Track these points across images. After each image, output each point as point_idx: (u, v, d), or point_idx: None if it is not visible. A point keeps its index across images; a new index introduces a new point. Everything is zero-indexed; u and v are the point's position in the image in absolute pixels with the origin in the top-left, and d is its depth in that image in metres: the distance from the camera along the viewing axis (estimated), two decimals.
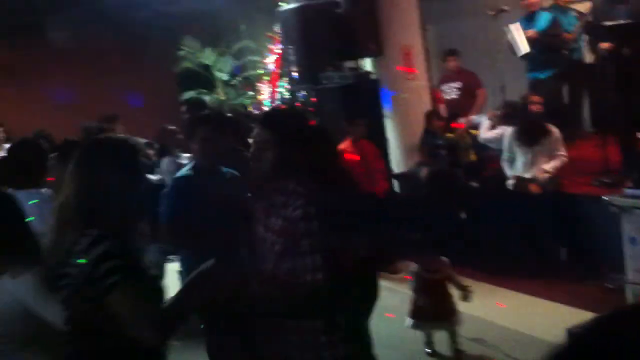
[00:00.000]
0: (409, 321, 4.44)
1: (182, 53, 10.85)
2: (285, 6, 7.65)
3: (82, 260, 2.18)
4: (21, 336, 2.77)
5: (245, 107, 9.73)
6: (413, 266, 4.51)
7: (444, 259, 4.47)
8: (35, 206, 3.81)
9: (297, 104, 7.10)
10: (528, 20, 7.41)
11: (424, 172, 6.93)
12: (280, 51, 8.05)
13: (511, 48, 7.36)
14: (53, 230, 2.43)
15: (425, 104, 7.57)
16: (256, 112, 8.79)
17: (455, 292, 4.38)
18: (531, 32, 7.25)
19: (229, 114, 7.44)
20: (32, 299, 2.76)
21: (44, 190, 4.07)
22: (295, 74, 7.42)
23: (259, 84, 9.03)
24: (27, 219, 3.07)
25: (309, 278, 2.57)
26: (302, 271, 2.56)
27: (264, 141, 2.69)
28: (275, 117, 2.97)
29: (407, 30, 7.68)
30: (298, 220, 2.54)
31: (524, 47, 7.24)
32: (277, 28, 8.24)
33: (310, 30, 7.26)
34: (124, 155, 2.48)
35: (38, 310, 2.76)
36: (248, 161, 2.83)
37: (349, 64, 7.57)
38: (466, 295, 4.27)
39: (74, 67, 11.00)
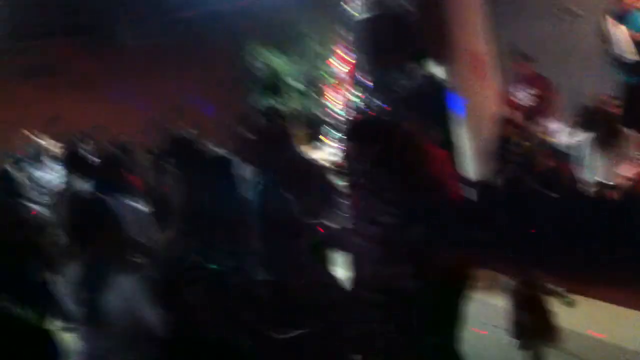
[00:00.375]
0: (513, 342, 4.14)
1: (250, 58, 11.06)
2: (357, 15, 7.74)
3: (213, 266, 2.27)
4: (127, 333, 2.93)
5: (314, 114, 9.84)
6: (506, 279, 4.33)
7: (539, 271, 4.30)
8: (124, 209, 3.99)
9: (370, 111, 7.16)
10: (619, 20, 6.98)
11: (496, 179, 6.86)
12: (352, 59, 8.14)
13: (606, 40, 7.03)
14: (165, 235, 2.55)
15: (497, 110, 7.50)
16: (325, 118, 8.89)
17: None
18: (631, 33, 6.83)
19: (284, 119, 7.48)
20: (137, 299, 2.92)
21: (130, 193, 4.26)
22: (367, 82, 7.49)
23: (328, 92, 9.12)
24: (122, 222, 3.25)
25: (400, 285, 2.60)
26: (394, 278, 2.60)
27: (355, 152, 2.74)
28: (364, 127, 3.03)
29: (477, 35, 7.63)
30: (392, 228, 2.58)
31: (628, 50, 6.90)
32: (347, 36, 8.32)
33: (381, 38, 7.32)
34: (229, 165, 2.58)
35: (140, 310, 2.92)
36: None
37: (420, 70, 7.57)
38: (568, 301, 4.12)
39: (145, 70, 11.34)
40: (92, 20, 11.10)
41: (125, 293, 2.94)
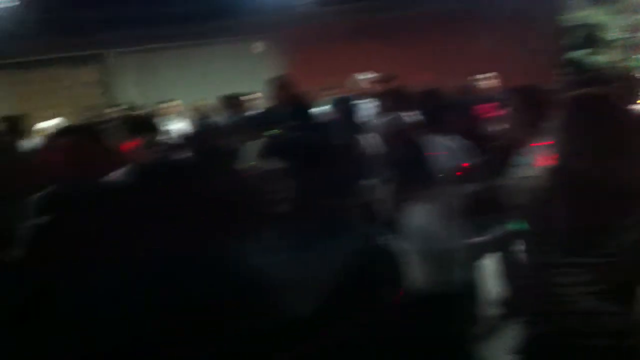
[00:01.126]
0: None
1: (569, 12, 10.60)
2: None
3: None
4: (422, 254, 3.21)
5: (631, 69, 9.15)
6: None
7: None
8: (446, 149, 4.27)
9: None
10: None
11: None
12: None
13: None
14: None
15: None
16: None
17: None
18: None
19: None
20: (432, 223, 3.22)
21: (451, 137, 4.52)
22: None
23: None
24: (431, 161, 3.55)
25: None
26: None
27: None
28: None
29: None
30: None
31: None
32: None
33: None
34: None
35: (435, 233, 3.21)
36: None
37: None
38: None
39: (453, 27, 11.51)
40: None
41: (421, 216, 3.25)
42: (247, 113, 6.43)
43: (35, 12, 9.45)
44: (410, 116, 4.84)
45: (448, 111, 4.75)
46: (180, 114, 8.70)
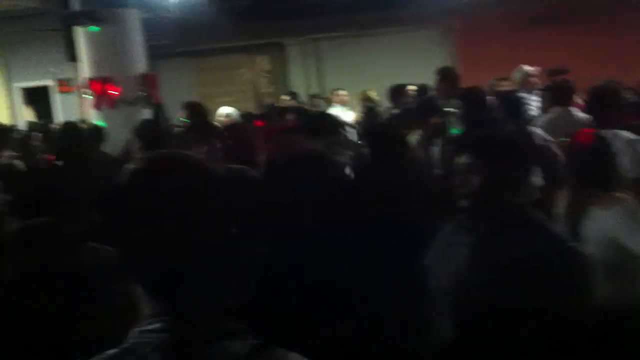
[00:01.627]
0: None
1: None
2: None
3: None
4: (604, 263, 3.05)
5: None
6: None
7: None
8: (627, 146, 3.99)
9: None
10: None
11: None
12: None
13: None
14: None
15: None
16: None
17: None
18: None
19: None
20: (620, 229, 3.00)
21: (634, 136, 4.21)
22: None
23: None
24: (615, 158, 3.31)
25: None
26: None
27: None
28: None
29: None
30: None
31: None
32: None
33: None
34: None
35: (624, 240, 3.00)
36: None
37: None
38: None
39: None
40: None
41: (607, 222, 3.06)
42: (413, 103, 6.47)
43: (218, 1, 10.05)
44: (584, 112, 4.61)
45: (629, 108, 4.46)
46: (347, 104, 8.94)
